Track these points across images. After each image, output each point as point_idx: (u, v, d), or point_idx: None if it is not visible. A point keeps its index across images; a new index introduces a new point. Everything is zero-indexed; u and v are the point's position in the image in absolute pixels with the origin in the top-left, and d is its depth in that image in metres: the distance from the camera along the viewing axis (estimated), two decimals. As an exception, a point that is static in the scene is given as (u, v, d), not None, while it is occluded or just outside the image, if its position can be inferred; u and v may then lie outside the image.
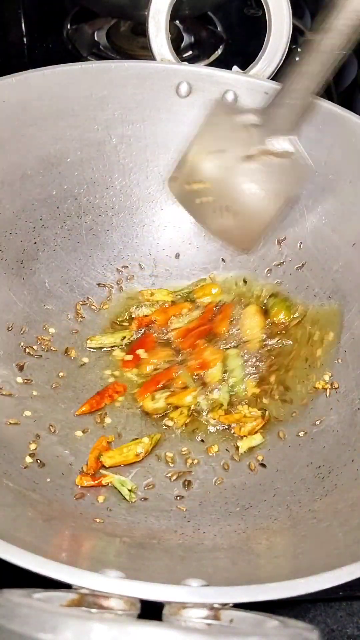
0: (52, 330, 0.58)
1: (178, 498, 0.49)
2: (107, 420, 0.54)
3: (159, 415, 0.54)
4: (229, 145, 0.52)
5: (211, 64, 0.86)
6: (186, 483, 0.50)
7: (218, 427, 0.54)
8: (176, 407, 0.54)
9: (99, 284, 0.62)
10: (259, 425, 0.54)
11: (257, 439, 0.53)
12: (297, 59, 0.48)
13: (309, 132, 0.59)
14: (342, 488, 0.47)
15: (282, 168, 0.51)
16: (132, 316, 0.60)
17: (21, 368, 0.55)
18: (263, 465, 0.52)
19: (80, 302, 0.60)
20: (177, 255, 0.64)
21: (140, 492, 0.49)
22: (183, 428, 0.54)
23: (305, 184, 0.56)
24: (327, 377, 0.55)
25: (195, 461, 0.52)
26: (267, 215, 0.54)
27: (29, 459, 0.49)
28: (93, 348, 0.58)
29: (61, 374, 0.56)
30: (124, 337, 0.59)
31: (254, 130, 0.51)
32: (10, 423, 0.51)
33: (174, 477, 0.51)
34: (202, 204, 0.55)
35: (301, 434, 0.53)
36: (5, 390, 0.53)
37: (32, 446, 0.50)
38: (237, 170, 0.51)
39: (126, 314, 0.61)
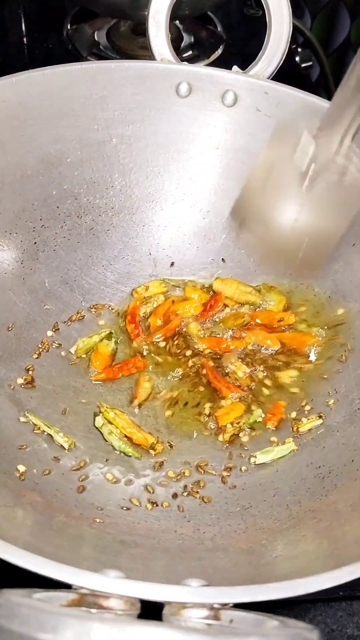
0: (50, 332, 0.58)
1: (177, 497, 0.49)
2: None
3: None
4: (291, 169, 0.48)
5: (211, 64, 0.86)
6: (186, 483, 0.50)
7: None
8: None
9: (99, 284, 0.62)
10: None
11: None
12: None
13: (308, 132, 0.59)
14: (342, 488, 0.47)
15: (346, 186, 0.48)
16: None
17: (21, 368, 0.55)
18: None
19: (81, 302, 0.60)
20: (177, 256, 0.64)
21: (140, 492, 0.49)
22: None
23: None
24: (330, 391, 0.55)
25: (196, 462, 0.52)
26: (334, 237, 0.51)
27: (29, 460, 0.49)
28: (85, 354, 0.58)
29: (62, 374, 0.56)
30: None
31: (320, 143, 0.47)
32: (10, 423, 0.51)
33: (175, 478, 0.51)
34: (270, 233, 0.51)
35: (301, 434, 0.53)
36: (6, 390, 0.53)
37: (32, 446, 0.50)
38: (302, 193, 0.48)
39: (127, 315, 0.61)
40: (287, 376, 0.57)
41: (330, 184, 0.47)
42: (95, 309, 0.61)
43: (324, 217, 0.49)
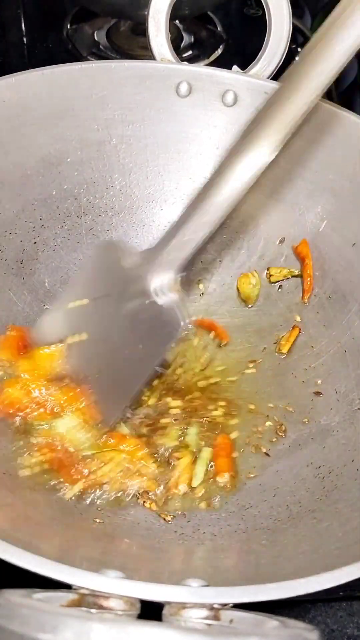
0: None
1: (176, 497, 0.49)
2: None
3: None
4: (112, 291, 0.48)
5: (211, 64, 0.86)
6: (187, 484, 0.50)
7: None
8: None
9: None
10: None
11: None
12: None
13: (309, 132, 0.59)
14: (342, 488, 0.47)
15: (159, 321, 0.46)
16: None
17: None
18: (267, 455, 0.52)
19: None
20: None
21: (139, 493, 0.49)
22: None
23: (172, 342, 0.49)
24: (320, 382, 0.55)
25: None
26: (131, 383, 0.47)
27: (28, 459, 0.49)
28: None
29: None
30: None
31: (139, 275, 0.46)
32: (10, 423, 0.51)
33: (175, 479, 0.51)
34: (78, 355, 0.48)
35: (301, 434, 0.53)
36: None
37: (33, 446, 0.50)
38: (117, 322, 0.47)
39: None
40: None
41: (145, 316, 0.46)
42: None
43: (132, 349, 0.47)
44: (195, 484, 0.49)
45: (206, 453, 0.51)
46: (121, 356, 0.48)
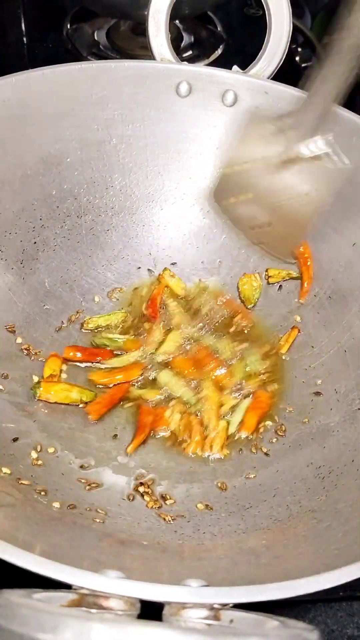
0: (49, 332, 0.58)
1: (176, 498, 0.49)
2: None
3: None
4: (265, 152, 0.52)
5: (211, 64, 0.86)
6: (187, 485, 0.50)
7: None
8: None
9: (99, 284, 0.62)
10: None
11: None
12: (320, 61, 0.47)
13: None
14: (342, 488, 0.47)
15: (319, 171, 0.51)
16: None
17: (21, 369, 0.55)
18: (267, 455, 0.52)
19: (81, 302, 0.61)
20: (177, 256, 0.64)
21: (140, 493, 0.49)
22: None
23: (342, 184, 0.53)
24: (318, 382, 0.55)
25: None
26: (305, 221, 0.54)
27: (28, 460, 0.49)
28: (87, 329, 0.59)
29: (62, 375, 0.56)
30: (124, 320, 0.60)
31: (289, 135, 0.51)
32: (10, 424, 0.51)
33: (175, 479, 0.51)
34: (245, 214, 0.55)
35: (301, 434, 0.53)
36: (6, 392, 0.53)
37: (33, 446, 0.50)
38: (276, 178, 0.52)
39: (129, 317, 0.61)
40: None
41: (303, 169, 0.50)
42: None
43: (295, 202, 0.52)
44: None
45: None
46: (284, 207, 0.52)
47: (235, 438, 0.54)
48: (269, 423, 0.55)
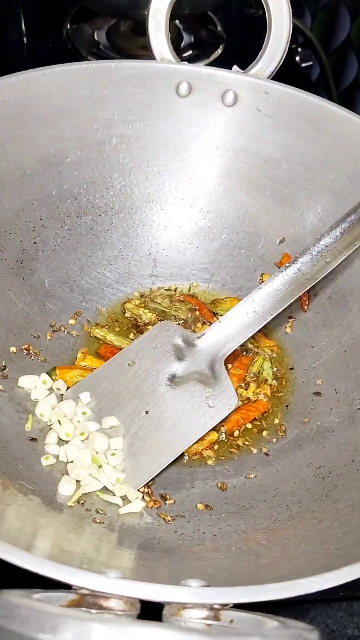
0: (48, 334, 0.58)
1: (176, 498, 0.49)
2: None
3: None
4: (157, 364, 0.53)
5: (211, 64, 0.86)
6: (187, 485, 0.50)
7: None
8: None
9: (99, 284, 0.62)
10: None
11: None
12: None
13: (309, 132, 0.59)
14: (342, 488, 0.47)
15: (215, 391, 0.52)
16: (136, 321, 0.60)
17: (22, 369, 0.55)
18: (267, 455, 0.52)
19: (81, 302, 0.60)
20: (177, 256, 0.64)
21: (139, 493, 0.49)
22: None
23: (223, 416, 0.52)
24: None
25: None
26: (175, 449, 0.50)
27: (28, 460, 0.49)
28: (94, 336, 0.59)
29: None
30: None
31: (189, 353, 0.53)
32: (10, 424, 0.51)
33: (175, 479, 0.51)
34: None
35: (301, 434, 0.53)
36: (6, 392, 0.53)
37: (33, 446, 0.50)
38: (167, 389, 0.52)
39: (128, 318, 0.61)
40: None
41: (194, 395, 0.51)
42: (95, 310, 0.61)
43: (174, 419, 0.51)
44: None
45: None
46: (169, 422, 0.51)
47: (220, 439, 0.53)
48: (268, 423, 0.55)
